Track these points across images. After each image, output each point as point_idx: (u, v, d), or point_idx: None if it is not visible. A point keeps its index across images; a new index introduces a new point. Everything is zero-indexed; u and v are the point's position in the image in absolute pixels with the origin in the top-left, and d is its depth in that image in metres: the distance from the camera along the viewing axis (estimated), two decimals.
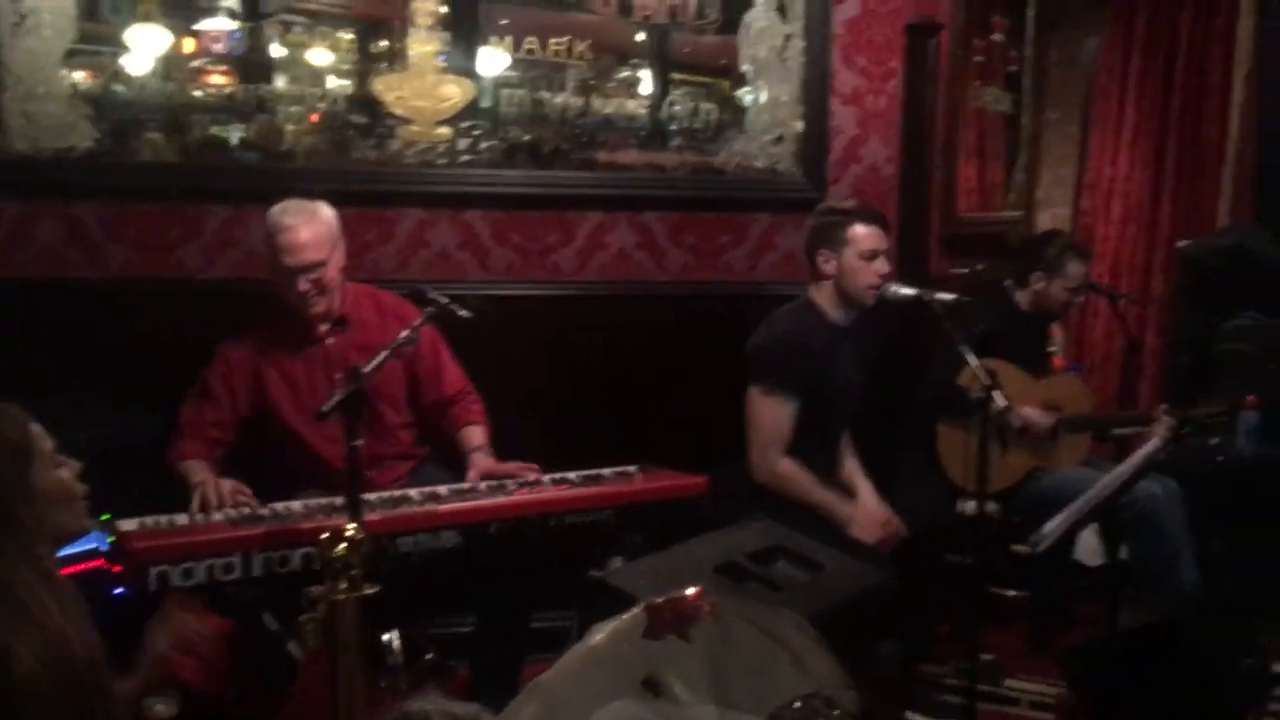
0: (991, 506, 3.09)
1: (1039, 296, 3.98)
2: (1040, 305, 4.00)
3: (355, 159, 3.66)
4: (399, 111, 3.66)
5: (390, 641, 3.17)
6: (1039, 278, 3.96)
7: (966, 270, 4.63)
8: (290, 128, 3.64)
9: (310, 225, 3.06)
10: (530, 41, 3.81)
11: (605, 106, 3.88)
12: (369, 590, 1.96)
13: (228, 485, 2.88)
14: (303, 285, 3.04)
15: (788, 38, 3.95)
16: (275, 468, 3.16)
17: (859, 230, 3.35)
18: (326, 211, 3.13)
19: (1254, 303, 4.59)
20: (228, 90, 3.59)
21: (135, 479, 2.98)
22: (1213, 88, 4.99)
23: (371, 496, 2.86)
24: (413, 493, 2.97)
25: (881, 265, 3.36)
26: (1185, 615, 3.30)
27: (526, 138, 3.81)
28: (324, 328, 3.17)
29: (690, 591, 1.64)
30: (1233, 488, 4.21)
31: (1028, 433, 3.76)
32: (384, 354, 2.76)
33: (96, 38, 3.48)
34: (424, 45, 3.65)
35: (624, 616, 1.62)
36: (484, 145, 3.76)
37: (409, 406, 3.31)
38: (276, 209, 3.09)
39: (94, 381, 3.19)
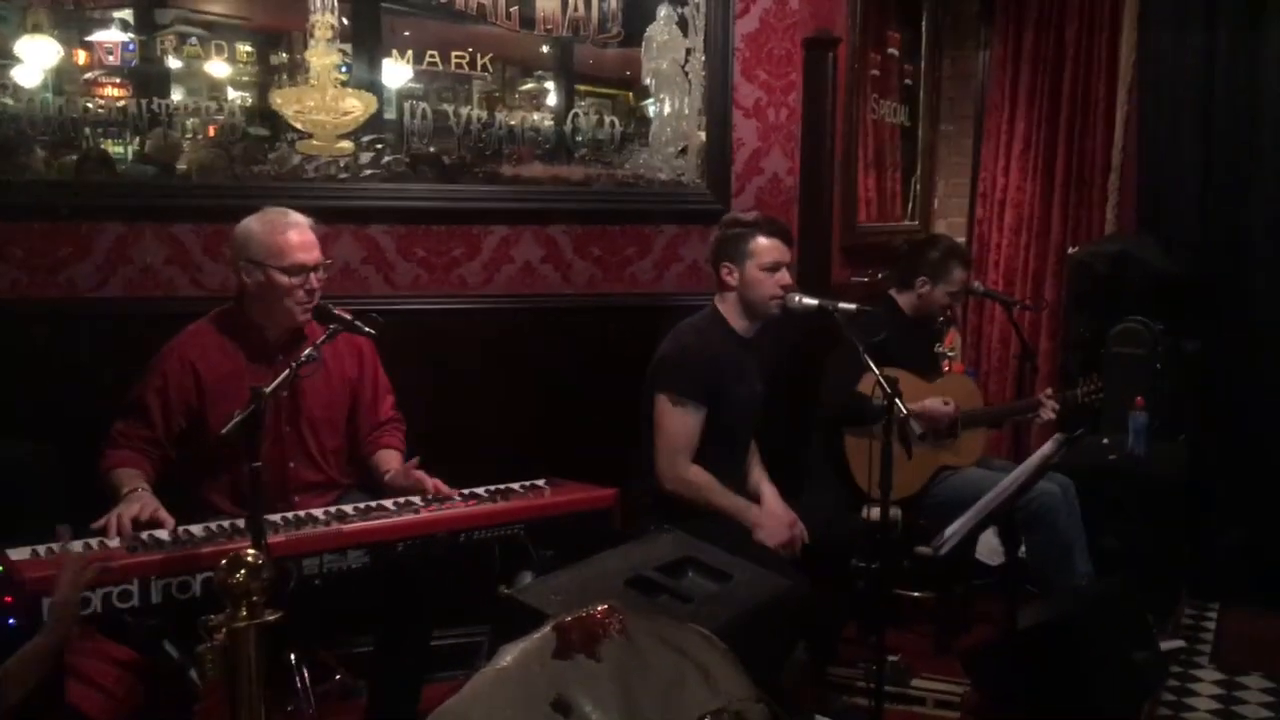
0: (895, 512, 3.15)
1: (922, 300, 4.09)
2: (922, 309, 4.11)
3: (255, 173, 3.60)
4: (299, 125, 3.61)
5: (295, 664, 3.15)
6: (923, 282, 4.08)
7: (866, 279, 4.72)
8: (187, 141, 3.57)
9: (308, 228, 3.05)
10: (432, 55, 3.77)
11: (510, 119, 3.87)
12: (270, 616, 1.91)
13: (144, 508, 2.76)
14: (312, 283, 3.00)
15: (689, 51, 3.99)
16: (204, 480, 3.08)
17: (761, 242, 3.40)
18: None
19: (1139, 307, 4.76)
20: (121, 103, 3.50)
21: (23, 506, 2.89)
22: (1098, 100, 5.17)
23: (275, 517, 2.81)
24: (318, 512, 2.93)
25: (784, 277, 3.40)
26: (1080, 609, 3.39)
27: (431, 150, 3.78)
28: (280, 348, 3.09)
29: (599, 609, 1.65)
30: (1123, 484, 4.37)
31: (933, 424, 3.84)
32: (285, 374, 2.72)
33: None
34: (324, 58, 3.60)
35: (533, 637, 1.61)
36: (387, 159, 3.72)
37: (345, 431, 3.27)
38: (260, 215, 3.04)
39: None
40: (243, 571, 1.85)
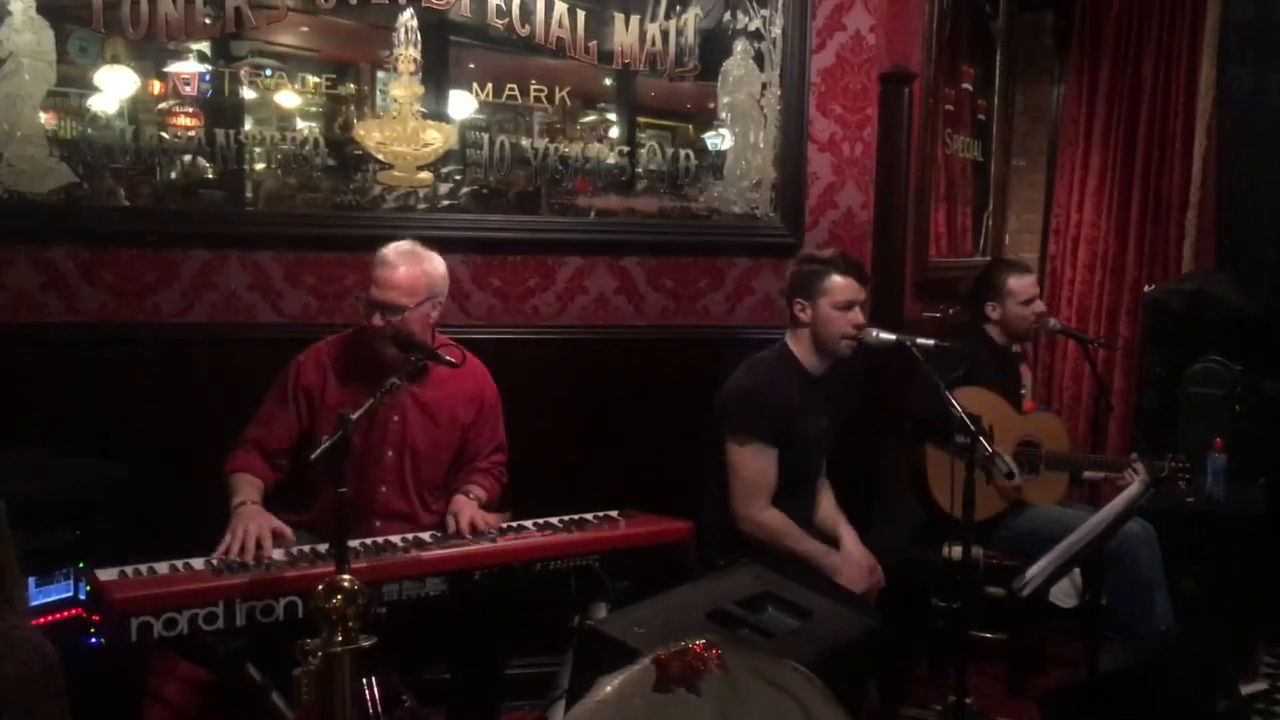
0: (977, 551, 3.11)
1: (1003, 324, 4.08)
2: (1009, 331, 4.09)
3: (336, 203, 3.66)
4: (381, 156, 3.66)
5: (367, 689, 3.16)
6: (992, 307, 4.08)
7: (938, 314, 4.69)
8: (260, 168, 3.64)
9: (409, 268, 3.07)
10: (511, 88, 3.81)
11: (571, 150, 3.89)
12: (365, 642, 1.93)
13: (265, 526, 2.83)
14: (376, 320, 3.04)
15: (765, 85, 4.00)
16: (301, 493, 3.11)
17: (836, 280, 3.38)
18: (434, 263, 3.14)
19: (1217, 347, 4.68)
20: (194, 132, 3.57)
21: (111, 527, 2.95)
22: (1175, 136, 5.11)
23: (355, 544, 2.84)
24: (397, 539, 2.95)
25: (857, 316, 3.37)
26: (1162, 654, 3.32)
27: (507, 182, 3.82)
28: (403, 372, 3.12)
29: (697, 642, 1.64)
30: (1202, 528, 4.28)
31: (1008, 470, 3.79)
32: (370, 402, 2.74)
33: (64, 79, 3.46)
34: (405, 91, 3.66)
35: (632, 669, 1.60)
36: (465, 190, 3.76)
37: (447, 470, 3.29)
38: (393, 244, 3.12)
39: (70, 428, 3.16)
40: (339, 597, 1.87)
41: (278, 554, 2.79)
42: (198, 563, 2.70)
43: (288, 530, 2.87)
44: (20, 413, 3.22)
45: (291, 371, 3.14)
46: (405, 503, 3.19)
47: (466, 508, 3.09)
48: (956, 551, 2.99)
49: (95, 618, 2.55)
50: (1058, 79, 5.49)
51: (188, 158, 3.58)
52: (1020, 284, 4.07)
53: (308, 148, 3.65)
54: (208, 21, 3.53)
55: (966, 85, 5.06)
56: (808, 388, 3.44)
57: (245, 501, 2.91)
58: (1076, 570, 3.57)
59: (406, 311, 3.05)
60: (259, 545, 2.76)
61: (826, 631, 2.61)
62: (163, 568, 2.67)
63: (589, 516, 3.20)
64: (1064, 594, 4.10)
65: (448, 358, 2.97)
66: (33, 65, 3.37)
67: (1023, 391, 4.49)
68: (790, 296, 3.46)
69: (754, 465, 3.31)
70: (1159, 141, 5.16)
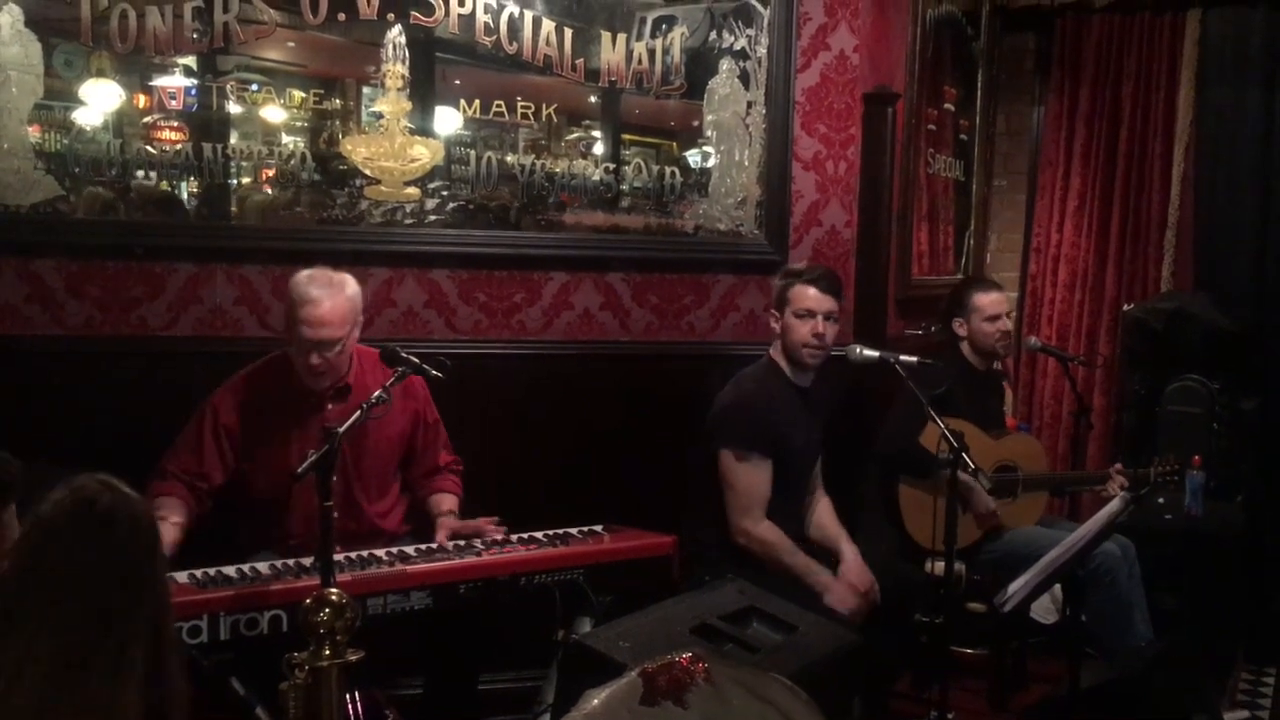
0: (959, 567, 3.13)
1: (972, 341, 4.07)
2: (979, 349, 4.08)
3: (323, 217, 3.67)
4: (368, 171, 3.67)
5: (351, 704, 3.15)
6: (959, 323, 4.09)
7: (920, 331, 4.72)
8: (247, 182, 3.64)
9: (334, 300, 3.03)
10: (498, 105, 3.84)
11: (557, 166, 3.91)
12: (353, 656, 1.93)
13: None
14: (314, 360, 3.03)
15: (750, 104, 4.03)
16: (244, 523, 3.12)
17: (798, 289, 3.44)
18: (352, 287, 3.11)
19: (1195, 365, 4.73)
20: (178, 146, 3.57)
21: None
22: (1154, 158, 5.17)
23: (339, 557, 2.83)
24: (381, 553, 2.96)
25: (817, 325, 3.40)
26: (1142, 670, 3.35)
27: (493, 197, 3.84)
28: (327, 395, 3.15)
29: (683, 656, 1.65)
30: (1179, 544, 4.31)
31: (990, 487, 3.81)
32: (356, 415, 2.75)
33: (49, 92, 3.45)
34: (393, 107, 3.67)
35: (619, 683, 1.62)
36: (451, 205, 3.78)
37: (394, 475, 3.31)
38: (303, 276, 3.06)
39: (53, 441, 3.14)
40: (327, 611, 1.87)
41: (262, 566, 2.79)
42: (181, 575, 2.70)
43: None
44: (3, 425, 3.20)
45: (209, 410, 3.12)
46: (355, 518, 3.20)
47: (470, 524, 3.14)
48: (938, 567, 3.01)
49: None
50: (1039, 100, 5.54)
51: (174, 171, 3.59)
52: (985, 299, 4.05)
53: (294, 162, 3.66)
54: (195, 37, 3.54)
55: (949, 106, 5.11)
56: (794, 398, 3.49)
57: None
58: (1057, 587, 3.61)
59: (342, 342, 3.06)
60: None
61: (810, 646, 2.63)
62: None
63: (573, 531, 3.22)
64: (1045, 611, 4.13)
65: (432, 371, 2.97)
66: (20, 78, 3.37)
67: (1004, 409, 4.53)
68: (771, 309, 3.53)
69: (748, 478, 3.35)
70: (1138, 162, 5.21)
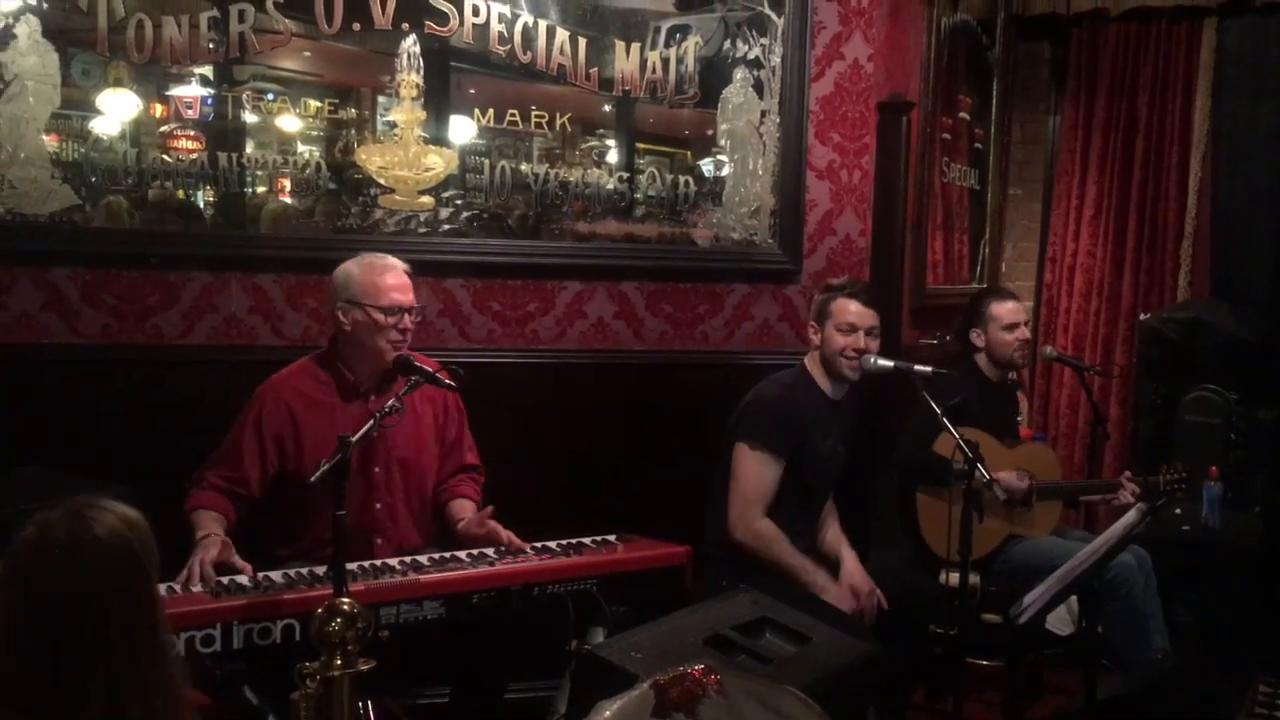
0: (974, 578, 3.11)
1: (990, 352, 4.04)
2: (996, 360, 4.05)
3: (338, 225, 3.68)
4: (382, 181, 3.68)
5: (365, 713, 3.15)
6: (977, 334, 4.05)
7: (935, 340, 4.71)
8: (262, 191, 3.66)
9: (404, 272, 3.15)
10: (512, 114, 3.84)
11: (571, 175, 3.92)
12: (364, 666, 1.93)
13: (219, 551, 2.81)
14: (406, 323, 3.09)
15: (764, 113, 4.03)
16: (292, 521, 3.11)
17: (841, 303, 3.46)
18: None
19: (1213, 375, 4.71)
20: (195, 155, 3.59)
21: None
22: (1171, 167, 5.15)
23: (353, 566, 2.84)
24: (394, 562, 2.96)
25: (858, 339, 3.42)
26: (1160, 682, 3.32)
27: (508, 206, 3.84)
28: (370, 390, 3.16)
29: (695, 667, 1.64)
30: (1198, 556, 4.29)
31: (1009, 495, 3.79)
32: (369, 424, 2.76)
33: (66, 101, 3.47)
34: (407, 116, 3.68)
35: (631, 694, 1.61)
36: (465, 214, 3.79)
37: (434, 473, 3.31)
38: (358, 259, 3.15)
39: (69, 448, 3.16)
40: (339, 620, 1.87)
41: (276, 575, 2.80)
42: (196, 585, 2.70)
43: (244, 565, 2.82)
44: (20, 433, 3.22)
45: (253, 412, 3.10)
46: (398, 518, 3.20)
47: (500, 530, 3.12)
48: (953, 578, 2.99)
49: None
50: (1054, 109, 5.52)
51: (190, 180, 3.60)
52: (1002, 309, 4.02)
53: (309, 171, 3.67)
54: (211, 46, 3.55)
55: (964, 114, 5.10)
56: (824, 409, 3.50)
57: (209, 533, 2.88)
58: (1073, 598, 3.59)
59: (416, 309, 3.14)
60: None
61: (824, 657, 2.61)
62: (160, 589, 2.67)
63: (587, 540, 3.21)
64: (1060, 622, 4.10)
65: (446, 380, 2.98)
66: (37, 88, 3.39)
67: (1019, 419, 4.50)
68: (810, 321, 3.56)
69: (756, 472, 3.35)
70: (1154, 172, 5.19)
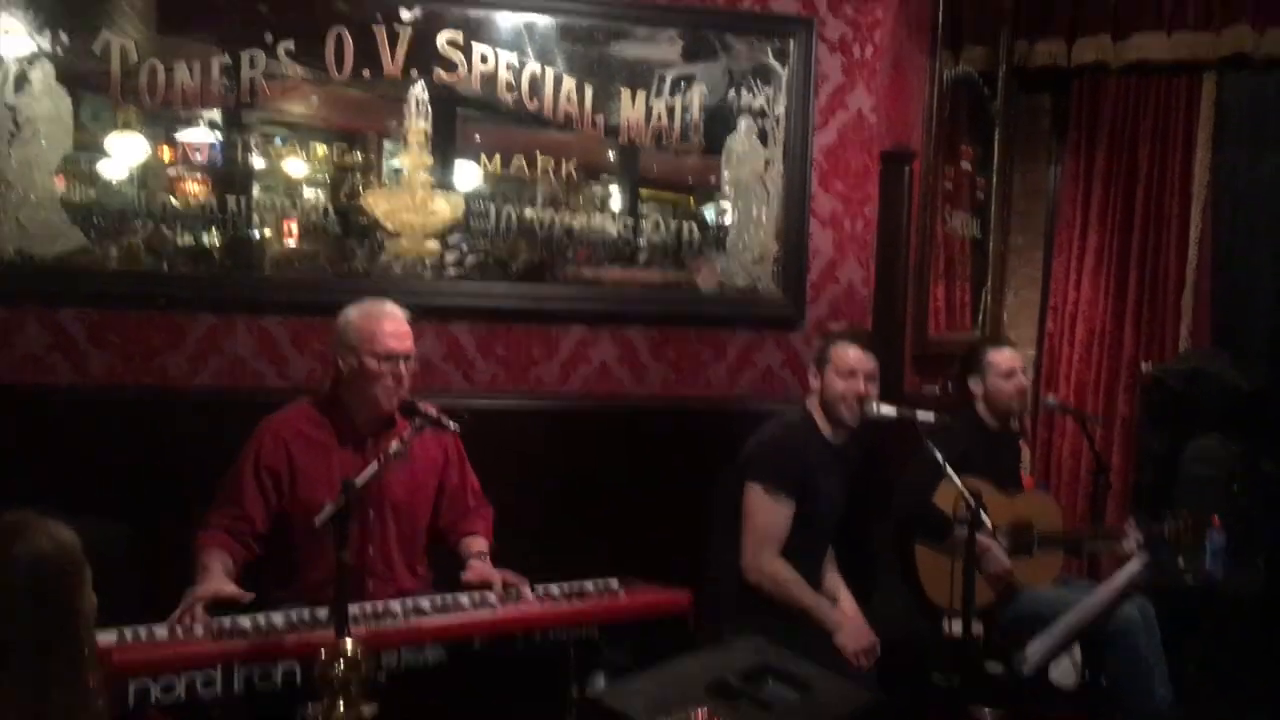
0: (978, 627, 3.10)
1: (987, 401, 4.02)
2: (994, 408, 4.03)
3: (344, 269, 3.70)
4: (389, 225, 3.72)
5: None
6: (975, 381, 4.03)
7: (937, 388, 4.72)
8: (269, 234, 3.69)
9: (403, 319, 3.15)
10: (518, 160, 3.88)
11: (575, 221, 3.95)
12: (366, 709, 1.92)
13: (209, 588, 2.80)
14: (401, 369, 3.08)
15: (768, 162, 4.07)
16: (288, 562, 3.09)
17: (840, 348, 3.48)
18: None
19: (1215, 425, 4.70)
20: (203, 199, 3.62)
21: (111, 588, 2.93)
22: (1171, 218, 5.17)
23: (354, 609, 2.82)
24: (395, 605, 2.94)
25: (858, 383, 3.43)
26: None
27: (512, 251, 3.87)
28: (369, 433, 3.15)
29: (698, 712, 1.64)
30: (1201, 607, 4.26)
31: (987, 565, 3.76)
32: (373, 466, 2.76)
33: (76, 144, 3.52)
34: (415, 161, 3.72)
35: None
36: (471, 259, 3.81)
37: (429, 517, 3.30)
38: (360, 305, 3.15)
39: (75, 488, 3.16)
40: (342, 663, 1.87)
41: (277, 618, 2.78)
42: (197, 626, 2.69)
43: (240, 594, 2.82)
44: (25, 472, 3.23)
45: (252, 451, 3.10)
46: (391, 562, 3.19)
47: (494, 572, 3.09)
48: (956, 627, 2.98)
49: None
50: (1055, 160, 5.56)
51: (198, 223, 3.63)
52: (999, 356, 4.00)
53: (315, 215, 3.71)
54: (222, 92, 3.60)
55: (966, 164, 5.14)
56: (826, 453, 3.51)
57: (207, 567, 2.88)
58: (1076, 649, 3.57)
59: (413, 356, 3.13)
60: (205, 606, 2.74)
61: (826, 705, 2.59)
62: (161, 630, 2.66)
63: (588, 585, 3.18)
64: (1064, 674, 4.08)
65: (450, 424, 2.99)
66: (50, 131, 3.44)
67: (1022, 467, 4.50)
68: (810, 367, 3.58)
69: (769, 513, 3.37)
70: (1155, 223, 5.22)
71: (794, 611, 3.30)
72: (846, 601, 3.48)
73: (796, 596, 3.33)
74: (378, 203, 3.72)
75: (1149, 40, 5.10)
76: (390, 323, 3.11)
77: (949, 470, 3.02)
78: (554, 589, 3.13)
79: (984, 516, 2.85)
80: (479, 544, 3.26)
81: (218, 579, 2.85)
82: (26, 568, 1.76)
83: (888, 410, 3.36)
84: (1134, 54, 5.14)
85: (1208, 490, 4.61)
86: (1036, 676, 3.82)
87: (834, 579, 3.60)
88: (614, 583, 3.22)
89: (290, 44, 3.63)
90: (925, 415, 3.27)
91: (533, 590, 3.10)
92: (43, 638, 1.75)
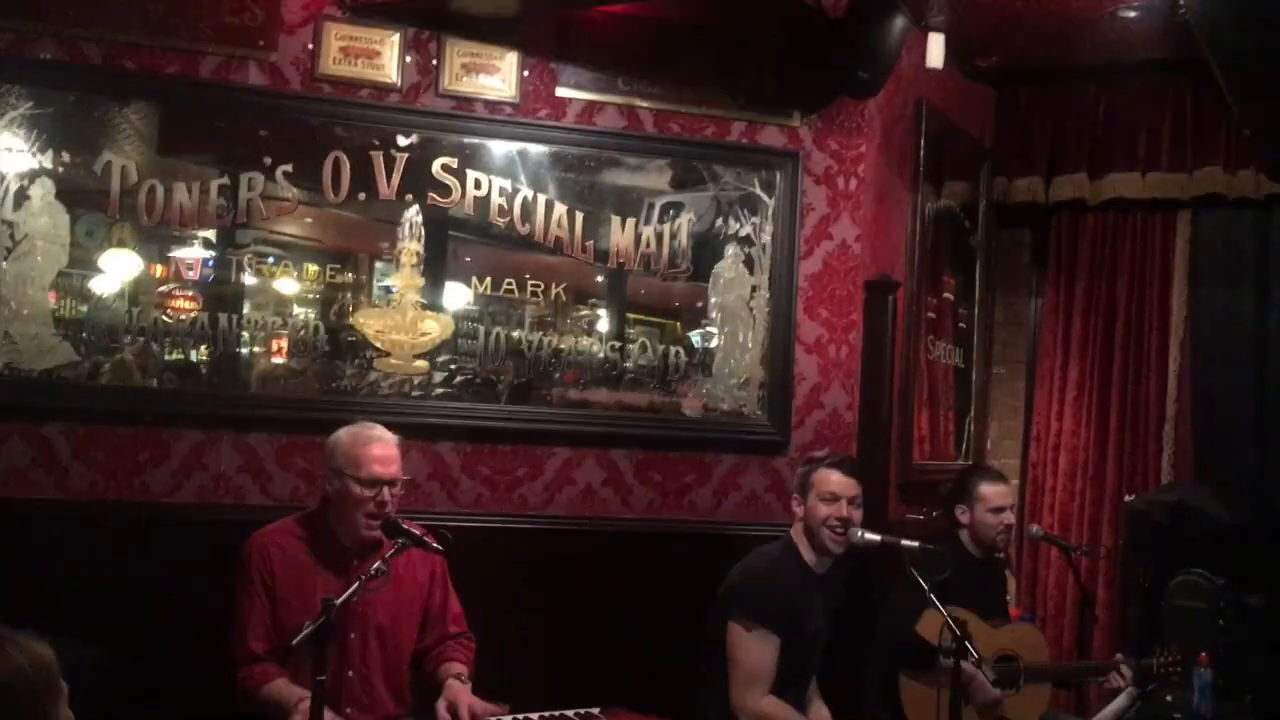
0: None
1: (973, 531, 3.99)
2: (979, 540, 3.99)
3: (332, 388, 3.72)
4: (379, 344, 3.75)
5: None
6: (962, 510, 4.00)
7: (921, 516, 4.71)
8: (258, 351, 3.71)
9: (391, 439, 3.14)
10: (508, 282, 3.94)
11: (563, 343, 3.99)
12: None
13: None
14: (384, 496, 3.06)
15: (754, 288, 4.14)
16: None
17: (822, 474, 3.49)
18: None
19: (1200, 558, 4.69)
20: (194, 315, 3.65)
21: (92, 711, 2.86)
22: (1150, 351, 5.26)
23: None
24: None
25: (840, 508, 3.42)
26: None
27: (503, 374, 3.90)
28: (355, 554, 3.11)
29: None
30: None
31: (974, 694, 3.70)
32: (355, 586, 2.73)
33: (70, 260, 3.55)
34: (406, 282, 3.77)
35: None
36: (458, 379, 3.84)
37: (414, 641, 3.25)
38: (349, 428, 3.15)
39: (54, 606, 3.11)
40: None
41: None
42: None
43: None
44: (3, 588, 3.18)
45: (246, 565, 3.08)
46: (372, 688, 3.12)
47: (464, 695, 3.02)
48: None
49: None
50: (1036, 291, 5.67)
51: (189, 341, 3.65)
52: (992, 490, 3.97)
53: (306, 333, 3.74)
54: (219, 212, 3.66)
55: (948, 294, 5.23)
56: (810, 583, 3.48)
57: (304, 697, 2.79)
58: None
59: (400, 481, 3.11)
60: None
61: None
62: None
63: (570, 714, 3.13)
64: None
65: (433, 544, 2.97)
66: (46, 247, 3.49)
67: (1008, 598, 4.46)
68: (793, 494, 3.57)
69: (756, 652, 3.32)
70: (1135, 355, 5.30)
71: None
72: None
73: None
74: (368, 322, 3.76)
75: (1124, 179, 5.26)
76: (379, 447, 3.11)
77: (933, 599, 3.00)
78: (534, 717, 3.07)
79: (969, 646, 2.81)
80: (458, 668, 3.19)
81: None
82: (5, 690, 1.70)
83: (872, 537, 3.35)
84: (1110, 192, 5.29)
85: (1194, 624, 4.58)
86: None
87: (819, 709, 3.55)
88: (596, 710, 3.16)
89: (288, 167, 3.71)
90: (910, 543, 3.26)
91: (512, 718, 3.04)
92: None
